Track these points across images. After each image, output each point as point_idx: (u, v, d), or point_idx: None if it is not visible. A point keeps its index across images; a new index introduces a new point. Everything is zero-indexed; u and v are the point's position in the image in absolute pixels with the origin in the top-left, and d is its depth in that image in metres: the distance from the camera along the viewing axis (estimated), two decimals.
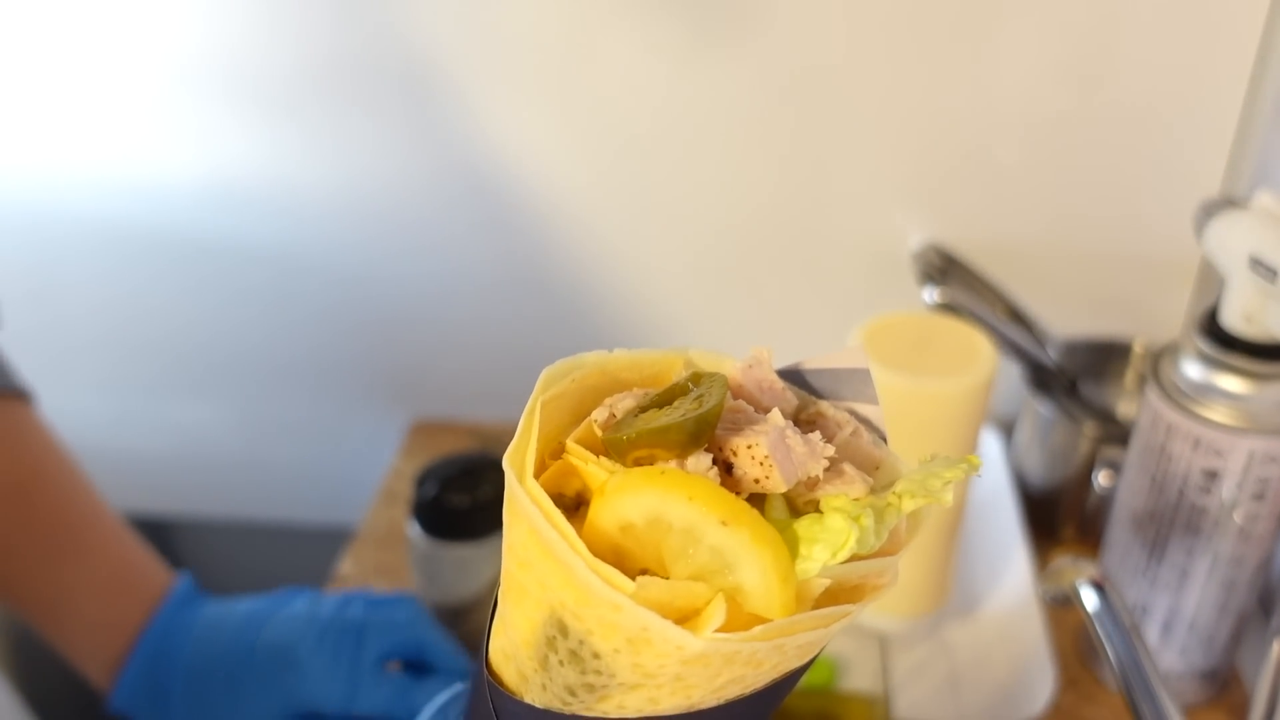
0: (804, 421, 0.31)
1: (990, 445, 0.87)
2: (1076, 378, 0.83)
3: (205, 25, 0.80)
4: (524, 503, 0.27)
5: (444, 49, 0.79)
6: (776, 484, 0.27)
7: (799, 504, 0.28)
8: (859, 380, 0.31)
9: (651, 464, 0.27)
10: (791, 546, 0.26)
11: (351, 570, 0.84)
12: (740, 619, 0.26)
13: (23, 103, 0.85)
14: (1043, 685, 0.71)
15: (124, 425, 1.02)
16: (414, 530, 0.71)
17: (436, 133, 0.83)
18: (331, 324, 0.94)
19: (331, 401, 0.99)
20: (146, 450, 1.04)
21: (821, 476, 0.28)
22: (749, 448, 0.27)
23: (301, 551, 1.10)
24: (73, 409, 1.01)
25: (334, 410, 1.00)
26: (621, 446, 0.28)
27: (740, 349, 0.31)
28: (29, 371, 0.99)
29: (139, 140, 0.86)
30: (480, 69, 0.80)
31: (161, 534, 1.16)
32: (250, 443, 1.02)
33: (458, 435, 0.96)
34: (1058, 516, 0.82)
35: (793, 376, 0.32)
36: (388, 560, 0.85)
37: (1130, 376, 0.85)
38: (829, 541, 0.26)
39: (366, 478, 0.99)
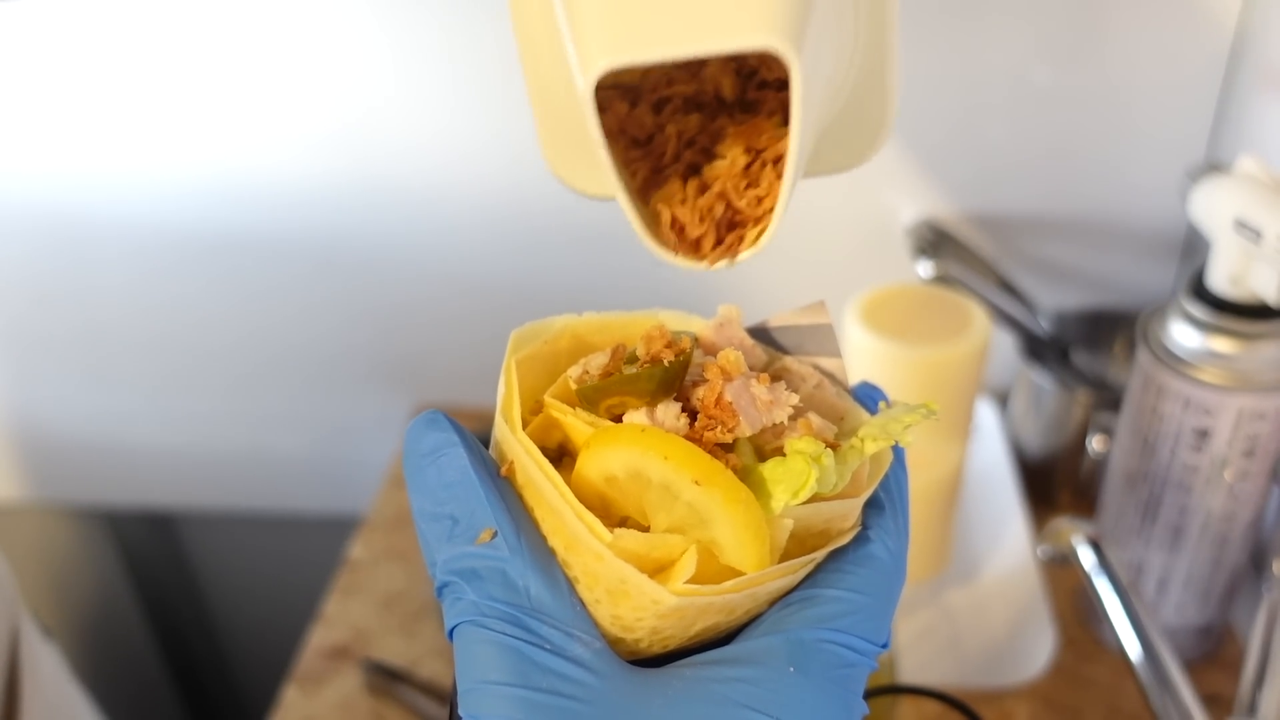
0: (770, 377, 0.32)
1: (986, 415, 0.88)
2: (1068, 346, 0.85)
3: (218, 30, 0.81)
4: (518, 452, 0.28)
5: (448, 40, 0.81)
6: (741, 430, 0.28)
7: (767, 452, 0.29)
8: (822, 335, 0.33)
9: (623, 411, 0.29)
10: (759, 489, 0.28)
11: (363, 554, 0.85)
12: (714, 568, 0.27)
13: (25, 107, 0.86)
14: (1042, 645, 0.72)
15: (128, 419, 1.03)
16: None
17: (437, 120, 0.84)
18: (333, 312, 0.95)
19: (336, 389, 1.00)
20: (152, 443, 1.05)
21: (787, 424, 0.29)
22: (715, 395, 0.29)
23: (310, 540, 1.11)
24: (76, 404, 1.03)
25: (339, 398, 1.01)
26: (592, 395, 0.29)
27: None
28: (37, 368, 1.01)
29: (138, 135, 0.86)
30: (483, 60, 0.81)
31: (170, 527, 1.17)
32: (256, 433, 1.04)
33: (462, 419, 0.97)
34: (1053, 482, 0.84)
35: (760, 334, 0.33)
36: (399, 544, 0.86)
37: (1120, 344, 0.86)
38: (790, 482, 0.27)
39: (372, 464, 1.00)
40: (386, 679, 0.74)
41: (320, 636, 0.79)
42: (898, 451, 0.31)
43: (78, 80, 0.84)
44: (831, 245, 0.88)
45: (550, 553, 0.28)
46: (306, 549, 1.12)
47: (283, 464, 1.06)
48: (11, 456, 1.07)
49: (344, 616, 0.80)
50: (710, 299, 0.94)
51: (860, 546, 0.30)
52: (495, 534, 0.27)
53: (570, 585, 0.28)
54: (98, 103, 0.85)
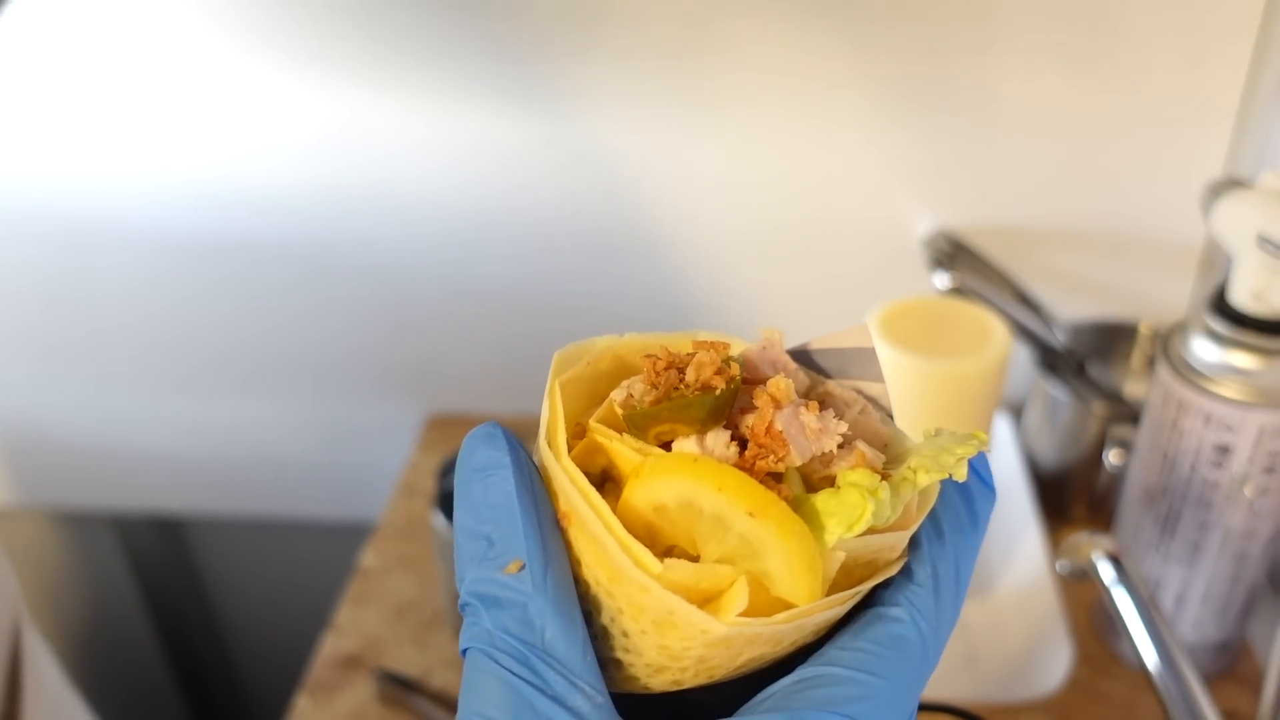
0: (814, 401, 0.32)
1: (1001, 427, 0.88)
2: (1084, 359, 0.85)
3: (222, 35, 0.81)
4: (563, 481, 0.28)
5: (456, 42, 0.81)
6: (791, 459, 0.28)
7: (814, 480, 0.29)
8: (865, 359, 0.32)
9: (672, 439, 0.28)
10: (811, 520, 0.27)
11: (374, 562, 0.85)
12: (765, 600, 0.27)
13: (44, 112, 0.86)
14: (1059, 660, 0.72)
15: (136, 424, 1.03)
16: (439, 521, 0.72)
17: (447, 124, 0.84)
18: (344, 317, 0.95)
19: (347, 395, 1.00)
20: (160, 448, 1.05)
21: (836, 453, 0.29)
22: (765, 423, 0.28)
23: (320, 546, 1.11)
24: (82, 408, 1.03)
25: (349, 404, 1.01)
26: (642, 422, 0.28)
27: (755, 337, 0.32)
28: (44, 373, 1.00)
29: (144, 140, 0.86)
30: (505, 66, 0.81)
31: (178, 533, 1.17)
32: (265, 438, 1.03)
33: (474, 428, 0.97)
34: (1068, 496, 0.84)
35: (801, 357, 0.32)
36: (409, 552, 0.86)
37: (1136, 357, 0.86)
38: (844, 515, 0.27)
39: (384, 471, 1.00)
40: (399, 689, 0.74)
41: (332, 645, 0.79)
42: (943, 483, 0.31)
43: (82, 87, 0.84)
44: (847, 257, 0.87)
45: (574, 595, 0.27)
46: (316, 556, 1.12)
47: (292, 470, 1.06)
48: (17, 461, 1.07)
49: (356, 625, 0.80)
50: (722, 313, 0.95)
51: (888, 625, 0.28)
52: (524, 566, 0.27)
53: (587, 633, 0.27)
54: (103, 109, 0.85)
